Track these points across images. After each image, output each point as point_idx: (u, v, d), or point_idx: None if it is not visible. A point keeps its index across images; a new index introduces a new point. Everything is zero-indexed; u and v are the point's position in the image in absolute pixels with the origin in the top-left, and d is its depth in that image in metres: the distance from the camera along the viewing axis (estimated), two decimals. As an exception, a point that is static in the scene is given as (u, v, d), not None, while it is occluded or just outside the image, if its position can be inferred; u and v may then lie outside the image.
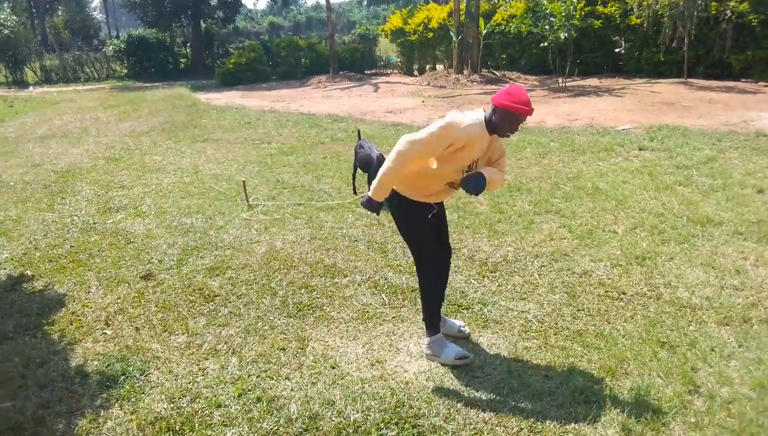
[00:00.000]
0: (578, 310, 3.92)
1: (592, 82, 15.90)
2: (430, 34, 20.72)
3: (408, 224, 3.37)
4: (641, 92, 13.34)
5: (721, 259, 4.56)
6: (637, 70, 16.57)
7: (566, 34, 14.07)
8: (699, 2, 13.78)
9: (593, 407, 2.95)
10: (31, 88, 23.21)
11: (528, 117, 3.05)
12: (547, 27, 14.27)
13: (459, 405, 3.02)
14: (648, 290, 4.14)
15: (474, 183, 3.13)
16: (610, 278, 4.34)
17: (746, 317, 3.72)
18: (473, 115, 3.11)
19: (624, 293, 4.11)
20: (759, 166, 6.87)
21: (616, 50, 17.57)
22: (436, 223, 3.44)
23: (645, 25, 15.12)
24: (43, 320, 4.07)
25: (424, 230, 3.35)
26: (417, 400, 3.07)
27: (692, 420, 2.83)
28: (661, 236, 5.06)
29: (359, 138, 6.69)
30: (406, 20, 21.67)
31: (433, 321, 3.47)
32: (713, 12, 14.48)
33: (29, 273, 4.88)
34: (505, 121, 3.03)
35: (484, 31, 18.28)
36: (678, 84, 14.24)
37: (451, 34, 18.26)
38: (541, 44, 15.19)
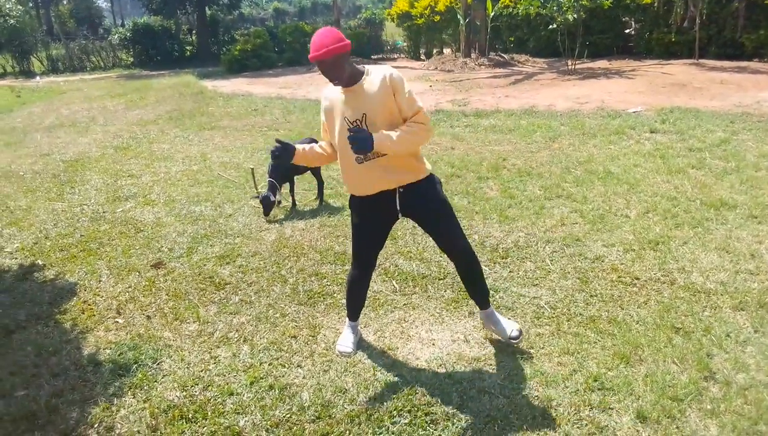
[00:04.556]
0: (591, 296, 3.88)
1: (602, 64, 15.71)
2: (437, 18, 20.50)
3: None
4: (652, 74, 13.17)
5: (735, 243, 4.50)
6: (647, 51, 16.33)
7: (575, 15, 13.86)
8: (711, -19, 13.55)
9: (607, 393, 2.92)
10: (37, 78, 23.21)
11: (322, 62, 2.75)
12: (555, 8, 14.06)
13: (472, 392, 3.00)
14: (661, 275, 4.09)
15: (354, 139, 2.74)
16: (622, 263, 4.30)
17: (762, 301, 3.67)
18: None
19: (637, 279, 4.07)
20: (773, 148, 6.77)
21: (626, 31, 17.33)
22: (425, 220, 3.14)
23: (656, 4, 14.90)
24: (54, 309, 4.09)
25: (353, 224, 3.25)
26: (429, 387, 3.05)
27: (708, 407, 2.80)
28: (674, 220, 5.00)
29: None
30: (413, 4, 21.43)
31: (349, 311, 3.47)
32: (725, -9, 14.24)
33: (40, 262, 4.90)
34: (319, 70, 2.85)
35: (492, 14, 18.06)
36: (689, 65, 14.03)
37: (459, 17, 18.05)
38: (550, 26, 14.99)
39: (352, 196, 3.19)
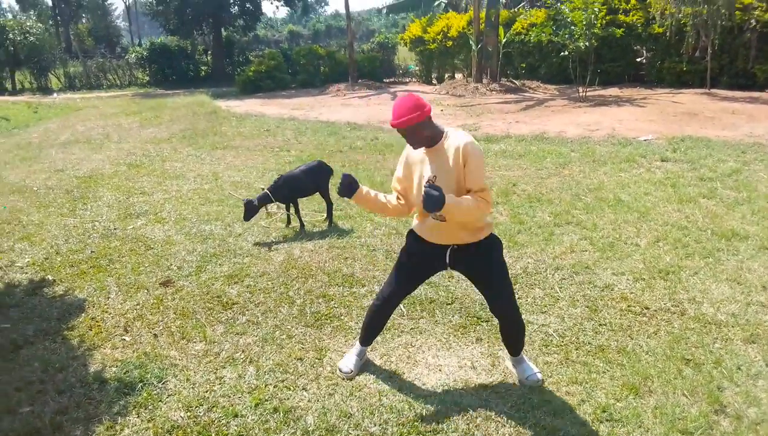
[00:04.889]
0: (600, 324, 3.85)
1: (613, 91, 15.75)
2: (450, 43, 20.70)
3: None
4: (663, 102, 13.19)
5: (747, 274, 4.46)
6: (658, 80, 16.38)
7: (587, 43, 13.95)
8: (723, 11, 13.59)
9: (616, 425, 2.89)
10: (54, 94, 23.59)
11: (400, 129, 2.87)
12: (567, 36, 14.16)
13: (479, 420, 2.97)
14: (672, 306, 4.06)
15: (428, 195, 2.74)
16: (632, 293, 4.26)
17: (774, 334, 3.63)
18: None
19: (647, 308, 4.04)
20: (785, 179, 6.73)
21: (638, 59, 17.40)
22: (471, 272, 3.17)
23: (667, 34, 14.95)
24: (62, 325, 4.10)
25: (399, 260, 3.29)
26: (435, 414, 3.03)
27: (719, 441, 2.75)
28: (684, 249, 4.96)
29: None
30: (426, 29, 21.67)
31: (364, 335, 3.47)
32: (737, 21, 14.28)
33: (50, 278, 4.93)
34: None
35: (504, 40, 18.22)
36: (701, 94, 14.04)
37: (471, 42, 18.21)
38: (562, 53, 15.07)
39: (412, 232, 3.20)
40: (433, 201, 2.72)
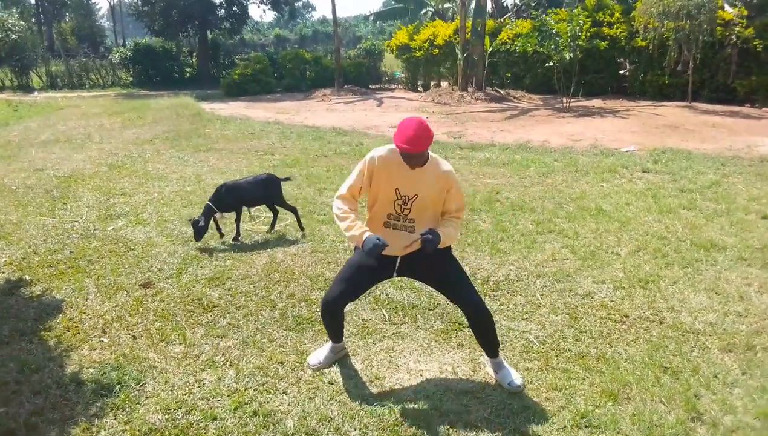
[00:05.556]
0: (580, 332, 3.88)
1: (597, 103, 15.95)
2: (436, 51, 20.82)
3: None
4: (645, 114, 13.37)
5: (724, 284, 4.53)
6: (641, 93, 16.62)
7: (571, 55, 14.13)
8: (705, 27, 13.85)
9: (594, 431, 2.91)
10: (35, 93, 23.31)
11: (414, 153, 2.94)
12: (552, 47, 14.33)
13: (458, 425, 2.97)
14: (651, 314, 4.10)
15: (429, 242, 2.99)
16: (612, 301, 4.30)
17: (750, 344, 3.68)
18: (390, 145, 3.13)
19: (627, 316, 4.08)
20: (763, 192, 6.85)
21: (621, 72, 17.63)
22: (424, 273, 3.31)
23: (650, 47, 15.19)
24: (39, 326, 4.03)
25: (349, 268, 3.33)
26: (416, 419, 3.02)
27: (695, 448, 2.78)
28: (664, 259, 5.03)
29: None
30: (412, 36, 21.78)
31: (329, 334, 3.53)
32: (718, 37, 14.55)
33: (27, 278, 4.85)
34: (402, 155, 3.02)
35: (490, 50, 18.37)
36: (682, 107, 14.27)
37: (457, 51, 18.33)
38: (546, 64, 15.24)
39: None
40: (434, 244, 3.00)
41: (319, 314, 3.56)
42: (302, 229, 5.86)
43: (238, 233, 5.68)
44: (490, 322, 3.27)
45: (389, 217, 3.18)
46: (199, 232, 5.41)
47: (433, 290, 3.65)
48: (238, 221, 5.70)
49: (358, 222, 3.11)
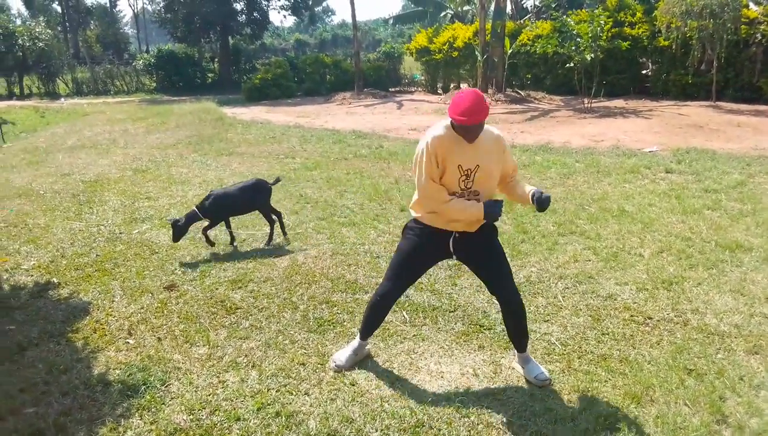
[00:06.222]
0: (603, 334, 3.85)
1: (618, 103, 15.79)
2: (455, 53, 20.80)
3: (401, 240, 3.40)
4: (668, 114, 13.20)
5: (750, 286, 4.46)
6: (664, 93, 16.42)
7: (593, 55, 14.01)
8: (729, 25, 13.65)
9: (618, 434, 2.88)
10: (62, 99, 23.76)
11: (472, 125, 2.93)
12: (573, 47, 14.23)
13: (480, 427, 2.97)
14: (675, 316, 4.06)
15: (493, 212, 3.09)
16: (635, 302, 4.27)
17: (777, 346, 3.62)
18: (441, 122, 3.13)
19: (650, 318, 4.04)
20: (790, 192, 6.73)
21: (643, 72, 17.44)
22: (468, 258, 3.34)
23: (673, 47, 15.00)
24: (67, 328, 4.12)
25: (400, 254, 3.35)
26: (437, 421, 3.03)
27: (721, 451, 2.75)
28: (688, 260, 4.97)
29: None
30: (432, 39, 21.79)
31: (363, 329, 3.55)
32: (743, 35, 14.33)
33: (55, 281, 4.96)
34: (458, 129, 3.01)
35: (510, 51, 18.30)
36: (706, 107, 14.06)
37: (476, 53, 18.30)
38: (567, 65, 15.14)
39: (417, 222, 3.28)
40: (498, 212, 3.10)
41: (369, 303, 3.54)
42: (285, 234, 5.78)
43: (232, 239, 5.69)
44: (523, 314, 3.31)
45: (454, 196, 3.12)
46: (177, 232, 5.41)
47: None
48: (228, 228, 5.68)
49: (464, 200, 3.11)
